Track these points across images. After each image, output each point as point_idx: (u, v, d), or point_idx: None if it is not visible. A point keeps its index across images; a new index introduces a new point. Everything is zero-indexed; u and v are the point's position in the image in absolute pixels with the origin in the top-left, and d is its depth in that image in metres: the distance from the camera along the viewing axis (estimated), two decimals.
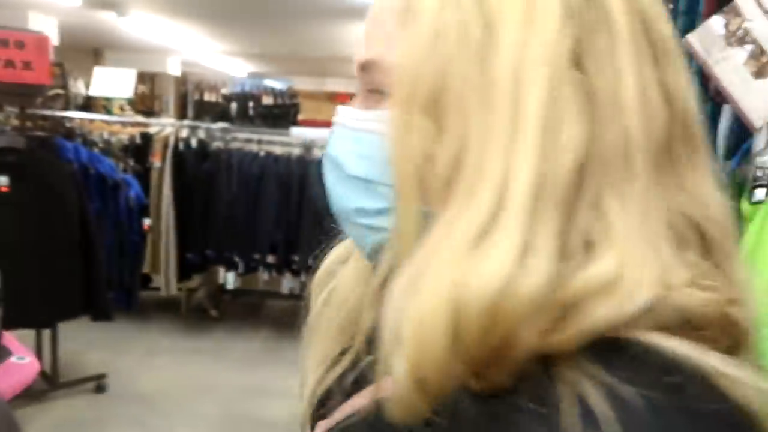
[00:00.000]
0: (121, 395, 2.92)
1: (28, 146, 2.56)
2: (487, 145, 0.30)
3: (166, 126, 3.88)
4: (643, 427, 0.26)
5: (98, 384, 2.93)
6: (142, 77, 4.48)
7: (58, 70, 3.82)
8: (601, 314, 0.29)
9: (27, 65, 2.87)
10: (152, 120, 4.03)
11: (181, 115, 4.35)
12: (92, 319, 2.79)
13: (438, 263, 0.30)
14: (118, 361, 3.18)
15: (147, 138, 3.72)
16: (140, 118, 4.09)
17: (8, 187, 2.41)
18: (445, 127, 0.32)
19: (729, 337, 0.31)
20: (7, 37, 2.85)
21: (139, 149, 3.70)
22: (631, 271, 0.29)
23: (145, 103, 4.43)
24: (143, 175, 3.56)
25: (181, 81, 4.69)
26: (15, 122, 2.98)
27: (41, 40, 2.99)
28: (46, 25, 5.36)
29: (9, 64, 2.84)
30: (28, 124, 2.96)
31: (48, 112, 3.15)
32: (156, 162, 3.67)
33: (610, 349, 0.29)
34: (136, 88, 4.30)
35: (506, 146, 0.30)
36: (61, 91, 3.79)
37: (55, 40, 3.41)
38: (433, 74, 0.32)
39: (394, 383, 0.31)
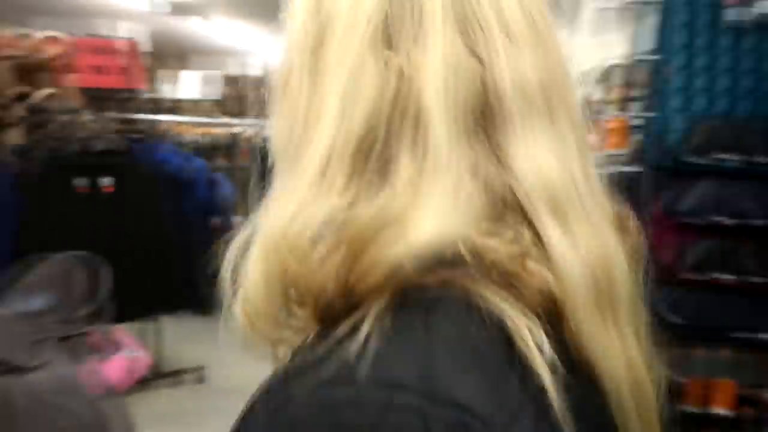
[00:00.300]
0: (219, 387, 3.01)
1: (126, 148, 2.67)
2: (308, 119, 0.36)
3: (249, 126, 3.97)
4: (393, 359, 0.29)
5: (198, 375, 3.04)
6: (225, 79, 4.62)
7: (148, 74, 3.99)
8: (385, 252, 0.32)
9: (120, 71, 3.01)
10: (236, 120, 4.13)
11: (262, 115, 4.46)
12: (192, 313, 2.88)
13: (264, 218, 0.35)
14: (216, 354, 3.28)
15: (233, 138, 3.81)
16: (225, 120, 4.20)
17: (112, 187, 2.52)
18: (286, 109, 0.39)
19: (531, 295, 0.33)
20: (100, 45, 3.00)
21: (226, 149, 3.81)
22: (417, 214, 0.32)
23: (229, 105, 4.56)
24: (231, 174, 3.66)
25: (261, 82, 4.80)
26: (111, 126, 3.13)
27: (132, 47, 3.12)
28: (135, 32, 5.60)
29: (103, 70, 2.99)
30: (123, 127, 3.10)
31: (141, 116, 3.29)
32: (242, 161, 3.76)
33: (403, 295, 0.32)
34: (221, 89, 4.43)
35: (317, 118, 0.36)
36: (151, 95, 3.95)
37: (144, 46, 3.55)
38: (285, 70, 0.39)
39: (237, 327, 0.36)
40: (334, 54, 0.36)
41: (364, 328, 0.31)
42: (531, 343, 0.31)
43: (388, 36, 0.35)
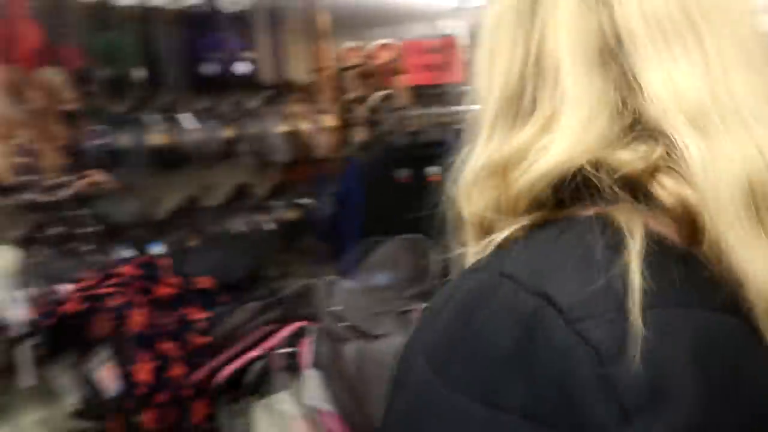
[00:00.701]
0: None
1: (450, 139, 2.86)
2: (486, 91, 0.46)
3: None
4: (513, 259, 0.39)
5: None
6: None
7: (467, 68, 4.21)
8: (522, 178, 0.40)
9: (443, 67, 3.23)
10: None
11: None
12: None
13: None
14: None
15: None
16: None
17: (439, 176, 2.74)
18: (477, 85, 0.49)
19: (664, 207, 0.36)
20: (425, 45, 3.26)
21: None
22: (552, 144, 0.39)
23: None
24: None
25: None
26: (437, 120, 3.39)
27: (453, 43, 3.33)
28: (455, 28, 5.95)
29: (428, 68, 3.25)
30: (448, 119, 3.33)
31: (462, 108, 3.48)
32: None
33: (543, 215, 0.40)
34: None
35: (489, 90, 0.45)
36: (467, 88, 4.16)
37: (463, 41, 3.76)
38: (477, 57, 0.49)
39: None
40: (496, 40, 0.45)
41: (500, 238, 0.41)
42: (634, 254, 0.33)
43: (532, 12, 0.43)
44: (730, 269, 0.33)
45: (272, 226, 3.38)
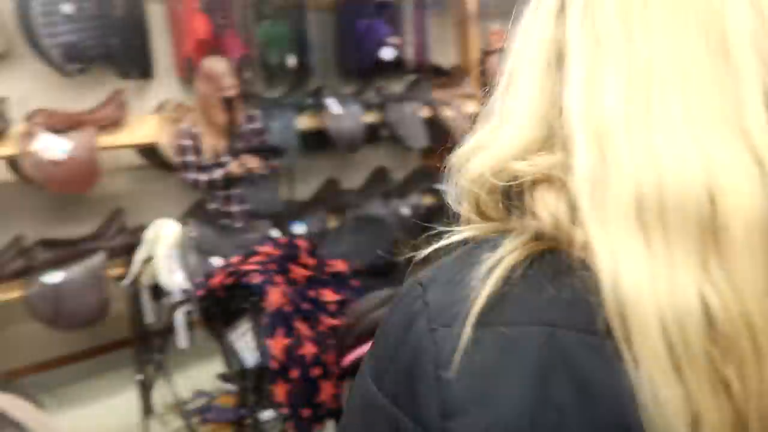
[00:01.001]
0: None
1: None
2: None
3: None
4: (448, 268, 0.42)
5: None
6: None
7: None
8: (458, 183, 0.44)
9: None
10: None
11: None
12: None
13: None
14: None
15: None
16: None
17: None
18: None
19: (537, 217, 0.38)
20: None
21: None
22: (485, 150, 0.43)
23: None
24: None
25: None
26: None
27: None
28: None
29: None
30: None
31: None
32: None
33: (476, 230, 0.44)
34: None
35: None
36: None
37: None
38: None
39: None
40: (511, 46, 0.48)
41: (436, 249, 0.44)
42: (498, 272, 0.37)
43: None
44: (601, 282, 0.34)
45: (408, 211, 3.43)
